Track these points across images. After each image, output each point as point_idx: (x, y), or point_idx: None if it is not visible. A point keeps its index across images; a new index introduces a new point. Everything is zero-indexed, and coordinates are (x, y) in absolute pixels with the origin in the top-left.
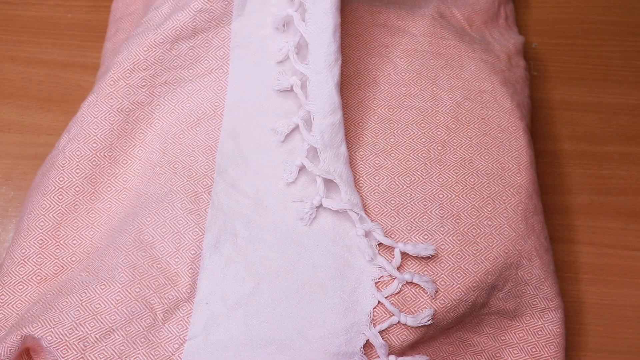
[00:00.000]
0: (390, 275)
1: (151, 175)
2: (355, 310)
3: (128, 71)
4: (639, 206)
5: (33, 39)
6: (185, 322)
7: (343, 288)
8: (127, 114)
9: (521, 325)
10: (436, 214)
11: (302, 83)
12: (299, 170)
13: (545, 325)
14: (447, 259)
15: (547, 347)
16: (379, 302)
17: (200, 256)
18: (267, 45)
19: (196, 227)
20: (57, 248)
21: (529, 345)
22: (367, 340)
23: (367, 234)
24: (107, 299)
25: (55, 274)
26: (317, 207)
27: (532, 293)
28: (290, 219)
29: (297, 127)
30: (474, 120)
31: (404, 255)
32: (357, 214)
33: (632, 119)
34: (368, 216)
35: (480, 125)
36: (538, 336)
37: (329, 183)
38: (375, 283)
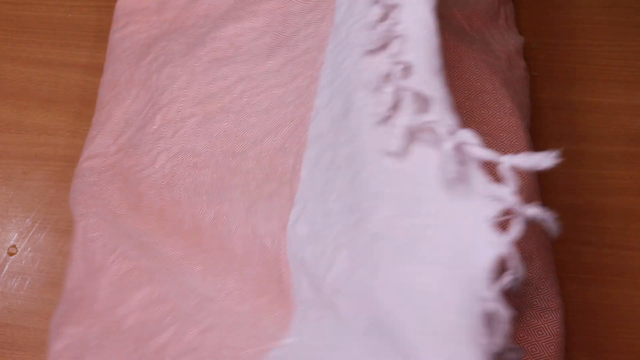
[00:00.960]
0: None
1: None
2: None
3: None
4: (639, 206)
5: (33, 39)
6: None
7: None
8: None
9: (521, 325)
10: None
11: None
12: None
13: (545, 325)
14: None
15: (547, 347)
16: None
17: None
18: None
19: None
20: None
21: (528, 345)
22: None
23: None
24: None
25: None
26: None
27: (532, 293)
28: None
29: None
30: (475, 121)
31: None
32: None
33: (632, 119)
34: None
35: (481, 126)
36: (538, 336)
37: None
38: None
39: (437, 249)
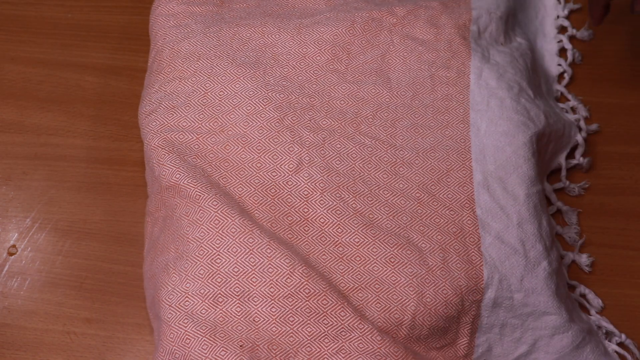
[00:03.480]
0: None
1: (411, 225)
2: None
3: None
4: (639, 206)
5: (33, 39)
6: None
7: None
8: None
9: None
10: None
11: None
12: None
13: None
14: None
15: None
16: None
17: (479, 316)
18: (505, 106)
19: (475, 287)
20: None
21: None
22: None
23: None
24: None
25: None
26: None
27: None
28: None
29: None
30: None
31: None
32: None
33: (632, 119)
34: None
35: None
36: None
37: None
38: None
39: None
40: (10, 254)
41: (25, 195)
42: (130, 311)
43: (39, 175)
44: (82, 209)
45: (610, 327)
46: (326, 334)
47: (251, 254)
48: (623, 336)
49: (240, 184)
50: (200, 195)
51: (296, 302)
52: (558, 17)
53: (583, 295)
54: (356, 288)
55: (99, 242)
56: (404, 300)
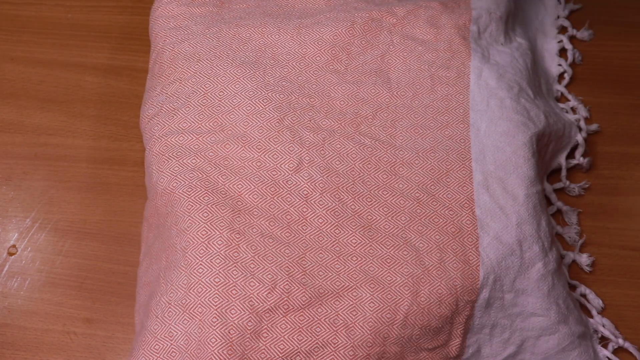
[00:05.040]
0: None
1: (409, 225)
2: None
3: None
4: (639, 206)
5: (33, 39)
6: None
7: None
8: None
9: None
10: None
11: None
12: None
13: None
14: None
15: None
16: None
17: (473, 316)
18: (505, 106)
19: (470, 287)
20: (304, 277)
21: None
22: None
23: None
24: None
25: (304, 305)
26: None
27: None
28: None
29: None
30: None
31: None
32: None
33: (632, 119)
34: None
35: None
36: None
37: None
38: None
39: None
40: (10, 254)
41: (25, 195)
42: (130, 311)
43: (39, 175)
44: (82, 209)
45: (607, 333)
46: (298, 351)
47: (234, 267)
48: (620, 341)
49: (240, 181)
50: (192, 206)
51: (273, 317)
52: (558, 17)
53: (583, 295)
54: (351, 287)
55: (99, 242)
56: (397, 300)
